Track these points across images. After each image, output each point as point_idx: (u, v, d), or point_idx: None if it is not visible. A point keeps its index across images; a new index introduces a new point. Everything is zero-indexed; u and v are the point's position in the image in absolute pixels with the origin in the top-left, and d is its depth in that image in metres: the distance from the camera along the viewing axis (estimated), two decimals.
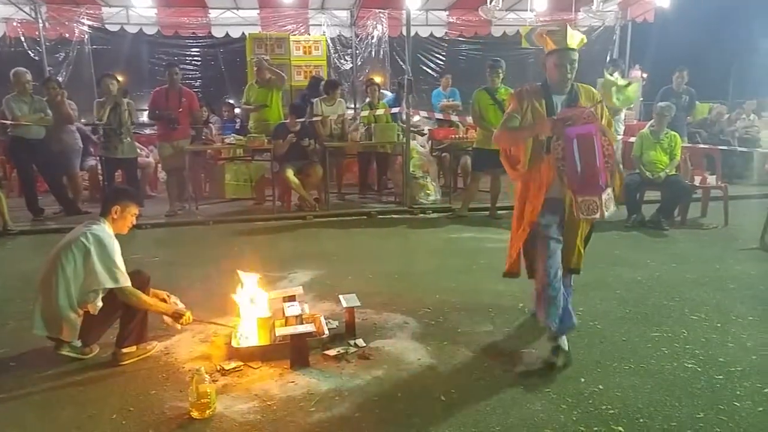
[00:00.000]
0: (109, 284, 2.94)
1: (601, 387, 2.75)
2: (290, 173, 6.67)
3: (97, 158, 7.59)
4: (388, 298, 3.99)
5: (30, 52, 10.08)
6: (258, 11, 10.62)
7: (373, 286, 4.26)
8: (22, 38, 10.06)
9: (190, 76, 11.59)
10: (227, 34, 10.83)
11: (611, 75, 3.06)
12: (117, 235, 3.16)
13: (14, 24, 9.94)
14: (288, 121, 6.94)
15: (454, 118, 7.88)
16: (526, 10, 10.41)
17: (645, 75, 8.25)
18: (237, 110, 9.82)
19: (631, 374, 2.88)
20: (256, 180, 7.83)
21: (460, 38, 11.56)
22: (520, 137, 3.05)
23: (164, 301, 3.25)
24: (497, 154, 6.29)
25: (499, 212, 6.67)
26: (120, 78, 7.41)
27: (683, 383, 2.78)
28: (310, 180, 6.92)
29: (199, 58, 12.09)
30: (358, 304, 3.44)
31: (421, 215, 6.87)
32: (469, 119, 7.08)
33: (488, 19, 10.61)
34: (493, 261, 4.88)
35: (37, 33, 10.03)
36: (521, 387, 2.76)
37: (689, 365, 2.97)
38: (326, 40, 10.26)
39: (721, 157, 7.69)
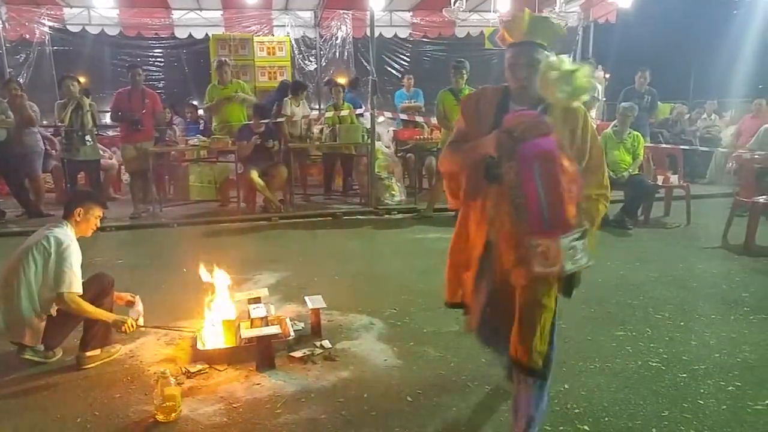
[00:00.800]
0: (61, 288, 2.93)
1: (566, 386, 2.78)
2: (255, 175, 6.68)
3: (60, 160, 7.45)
4: (353, 299, 4.04)
5: None
6: (221, 12, 10.53)
7: (339, 287, 4.32)
8: None
9: (153, 77, 11.43)
10: (190, 35, 10.71)
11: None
12: (80, 238, 3.15)
13: None
14: (252, 122, 6.95)
15: (419, 118, 8.00)
16: (490, 11, 10.59)
17: (607, 75, 8.47)
18: (200, 112, 9.75)
19: (596, 373, 2.92)
20: (221, 182, 7.80)
21: (424, 39, 11.69)
22: (462, 160, 2.25)
23: (130, 302, 3.26)
24: None
25: None
26: (82, 79, 7.30)
27: (648, 382, 2.83)
28: (274, 181, 6.93)
29: (162, 60, 11.92)
30: (324, 305, 3.49)
31: (387, 216, 6.96)
32: (434, 120, 7.20)
33: (452, 19, 10.78)
34: None
35: None
36: (488, 387, 2.80)
37: (653, 364, 3.02)
38: (290, 41, 10.25)
39: (683, 157, 7.90)
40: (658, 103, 8.39)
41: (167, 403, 2.55)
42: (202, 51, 10.75)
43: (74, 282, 2.95)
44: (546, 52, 2.12)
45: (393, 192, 7.33)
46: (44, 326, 3.02)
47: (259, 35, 10.07)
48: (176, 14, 10.44)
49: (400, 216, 6.98)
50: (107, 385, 2.89)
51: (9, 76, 8.48)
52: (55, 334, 3.07)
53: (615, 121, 6.61)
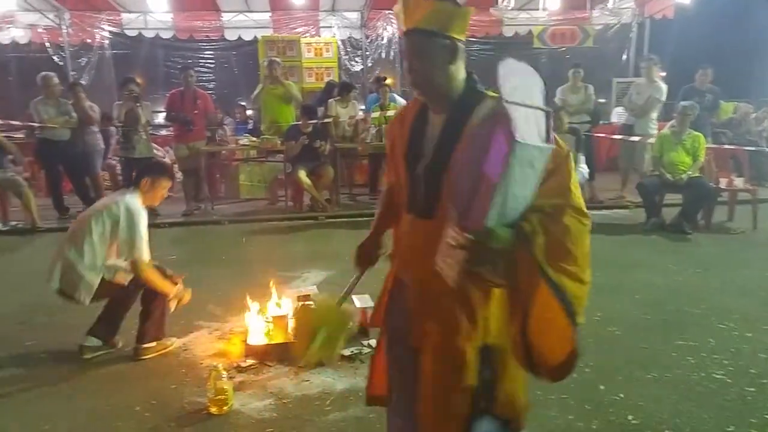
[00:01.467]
0: (134, 255, 3.04)
1: (621, 395, 2.68)
2: (302, 174, 6.77)
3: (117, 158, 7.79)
4: None
5: (54, 57, 10.33)
6: (270, 14, 10.74)
7: None
8: (47, 44, 10.30)
9: (204, 78, 11.74)
10: (239, 37, 10.97)
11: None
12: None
13: (39, 30, 10.16)
14: (300, 122, 7.05)
15: None
16: (538, 9, 10.39)
17: (663, 74, 8.10)
18: (249, 112, 9.98)
19: (654, 383, 2.80)
20: (270, 181, 7.95)
21: (470, 38, 11.56)
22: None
23: (175, 283, 3.30)
24: None
25: None
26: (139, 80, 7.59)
27: (712, 395, 2.69)
28: (321, 181, 7.01)
29: (213, 61, 12.24)
30: (371, 305, 3.50)
31: None
32: None
33: (499, 18, 10.63)
34: None
35: (60, 39, 10.26)
36: (538, 392, 2.64)
37: (718, 376, 2.87)
38: (337, 42, 10.34)
39: (748, 159, 7.47)
40: (721, 102, 7.96)
41: (219, 396, 2.62)
42: (251, 52, 10.98)
43: (144, 250, 3.08)
44: (448, 42, 1.53)
45: None
46: (101, 314, 3.15)
47: (306, 36, 10.20)
48: (226, 17, 10.71)
49: None
50: (163, 376, 2.99)
51: (73, 80, 8.88)
52: (110, 320, 3.19)
53: (672, 121, 6.32)
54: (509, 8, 9.66)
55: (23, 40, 10.20)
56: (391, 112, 7.69)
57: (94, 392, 2.85)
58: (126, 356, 3.20)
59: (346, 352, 3.17)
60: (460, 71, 1.57)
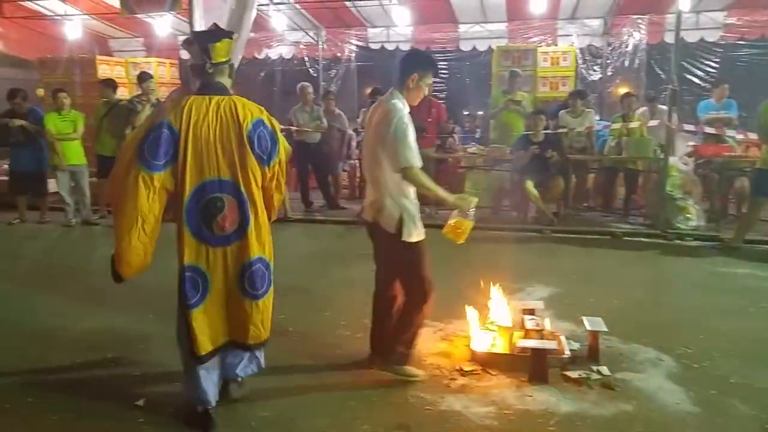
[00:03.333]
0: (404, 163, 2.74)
1: None
2: (530, 185, 6.56)
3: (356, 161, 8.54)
4: (637, 328, 3.64)
5: (310, 69, 11.82)
6: (506, 24, 10.70)
7: (620, 313, 3.91)
8: (306, 58, 11.85)
9: (437, 88, 12.24)
10: (474, 48, 11.13)
11: None
12: None
13: (300, 47, 11.75)
14: (531, 132, 6.83)
15: (730, 132, 6.79)
16: None
17: None
18: (476, 121, 10.07)
19: None
20: (495, 189, 7.88)
21: (740, 41, 9.98)
22: None
23: None
24: None
25: None
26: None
27: None
28: (549, 193, 6.71)
29: (447, 71, 12.68)
30: (605, 328, 3.23)
31: (678, 241, 6.07)
32: (752, 134, 6.05)
33: None
34: None
35: (316, 53, 11.71)
36: None
37: None
38: (575, 51, 9.83)
39: None
40: None
41: (459, 229, 2.95)
42: (483, 62, 11.08)
43: (411, 156, 2.77)
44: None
45: (688, 215, 6.34)
46: None
47: (542, 45, 9.92)
48: (462, 28, 10.98)
49: (695, 243, 6.01)
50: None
51: (327, 89, 10.02)
52: None
53: None
54: None
55: (287, 56, 11.85)
56: (634, 124, 7.02)
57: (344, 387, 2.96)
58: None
59: (574, 375, 2.96)
60: None
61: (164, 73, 10.15)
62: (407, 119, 2.80)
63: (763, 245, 5.76)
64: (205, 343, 2.45)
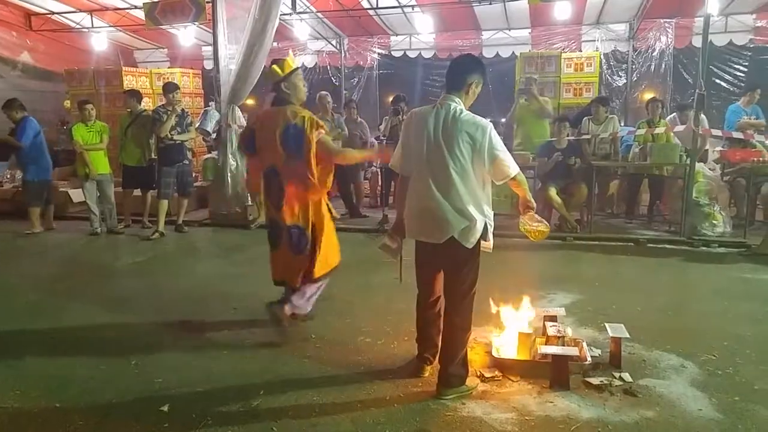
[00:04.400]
0: None
1: None
2: (553, 192, 6.53)
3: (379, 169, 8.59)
4: (660, 335, 3.61)
5: (333, 78, 11.95)
6: (529, 30, 10.69)
7: (642, 319, 3.89)
8: (328, 67, 11.98)
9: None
10: (497, 54, 11.13)
11: None
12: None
13: (323, 55, 11.89)
14: (554, 139, 6.81)
15: (760, 137, 6.66)
16: None
17: None
18: (499, 128, 10.04)
19: None
20: (518, 196, 7.85)
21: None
22: None
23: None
24: None
25: None
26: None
27: None
28: (573, 200, 6.67)
29: None
30: (627, 335, 3.22)
31: (703, 248, 5.98)
32: None
33: None
34: None
35: (339, 62, 11.83)
36: None
37: None
38: (599, 56, 9.77)
39: None
40: None
41: (538, 230, 3.12)
42: (507, 69, 11.05)
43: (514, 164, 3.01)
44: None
45: (714, 221, 6.24)
46: None
47: (565, 51, 9.88)
48: (486, 35, 11.00)
49: (722, 250, 5.92)
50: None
51: (349, 98, 10.13)
52: None
53: None
54: None
55: (310, 65, 11.99)
56: (659, 129, 6.95)
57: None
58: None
59: (595, 381, 2.96)
60: None
61: (188, 83, 10.38)
62: None
63: None
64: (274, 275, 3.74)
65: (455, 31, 11.08)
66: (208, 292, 4.68)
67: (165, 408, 2.79)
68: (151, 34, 11.21)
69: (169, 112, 6.72)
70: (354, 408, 2.79)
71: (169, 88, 6.85)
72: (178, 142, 6.86)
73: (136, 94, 7.36)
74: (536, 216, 3.11)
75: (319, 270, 3.55)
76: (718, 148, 7.22)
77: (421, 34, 11.06)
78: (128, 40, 11.76)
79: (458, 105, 2.80)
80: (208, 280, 5.06)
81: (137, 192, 7.36)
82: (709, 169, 6.72)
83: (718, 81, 10.35)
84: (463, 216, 2.75)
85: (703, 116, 6.35)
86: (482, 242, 2.87)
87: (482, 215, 2.81)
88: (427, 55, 11.60)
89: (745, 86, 7.68)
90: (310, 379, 3.09)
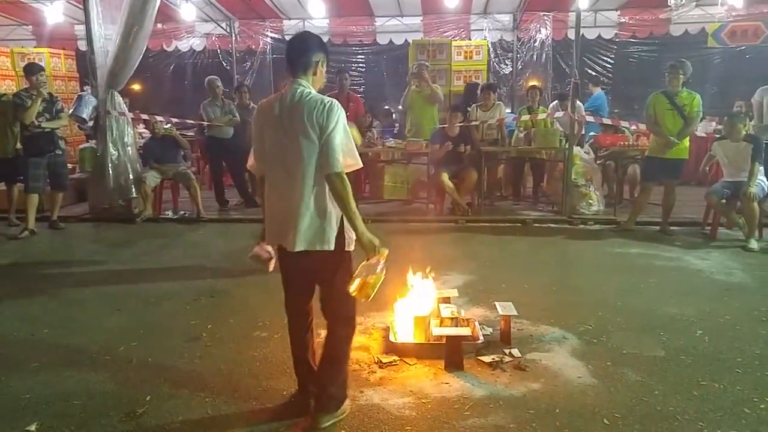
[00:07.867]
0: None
1: None
2: (445, 177, 6.73)
3: None
4: (544, 310, 3.85)
5: (223, 62, 11.45)
6: (421, 18, 10.87)
7: (529, 296, 4.13)
8: (218, 50, 11.46)
9: (355, 82, 12.22)
10: (391, 41, 11.23)
11: None
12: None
13: (213, 38, 11.33)
14: (446, 125, 7.01)
15: (625, 123, 7.31)
16: (717, 4, 9.28)
17: None
18: (394, 116, 10.19)
19: None
20: (412, 182, 8.02)
21: (631, 39, 10.75)
22: None
23: None
24: (672, 163, 5.78)
25: (672, 227, 6.09)
26: None
27: None
28: (464, 185, 6.92)
29: (364, 65, 12.70)
30: (515, 313, 3.38)
31: (582, 226, 6.49)
32: (642, 125, 6.55)
33: (668, 17, 9.72)
34: (665, 281, 4.51)
35: (230, 45, 11.35)
36: (701, 424, 2.50)
37: None
38: (487, 45, 10.18)
39: None
40: None
41: (365, 289, 2.38)
42: (401, 56, 11.21)
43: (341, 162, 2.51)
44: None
45: (590, 201, 6.79)
46: None
47: (456, 39, 10.18)
48: (379, 21, 11.04)
49: (597, 227, 6.46)
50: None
51: (239, 82, 9.74)
52: None
53: None
54: (682, 3, 8.71)
55: (199, 48, 11.42)
56: (542, 115, 7.38)
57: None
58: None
59: (487, 359, 3.09)
60: None
61: (59, 65, 9.44)
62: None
63: (652, 226, 6.27)
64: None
65: (349, 17, 11.02)
66: (86, 295, 4.33)
67: (32, 427, 2.53)
68: (10, 8, 10.02)
69: (33, 97, 6.06)
70: (246, 404, 2.71)
71: (32, 69, 6.18)
72: (47, 130, 6.22)
73: None
74: (372, 263, 2.42)
75: None
76: (592, 133, 7.83)
77: (315, 19, 10.87)
78: None
79: (305, 88, 2.44)
80: (86, 280, 4.67)
81: (2, 186, 6.61)
82: (585, 152, 7.26)
83: (589, 71, 11.21)
84: (317, 212, 2.41)
85: (579, 103, 6.84)
86: (346, 236, 2.48)
87: (331, 211, 2.44)
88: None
89: (612, 76, 8.40)
90: (199, 380, 2.94)
